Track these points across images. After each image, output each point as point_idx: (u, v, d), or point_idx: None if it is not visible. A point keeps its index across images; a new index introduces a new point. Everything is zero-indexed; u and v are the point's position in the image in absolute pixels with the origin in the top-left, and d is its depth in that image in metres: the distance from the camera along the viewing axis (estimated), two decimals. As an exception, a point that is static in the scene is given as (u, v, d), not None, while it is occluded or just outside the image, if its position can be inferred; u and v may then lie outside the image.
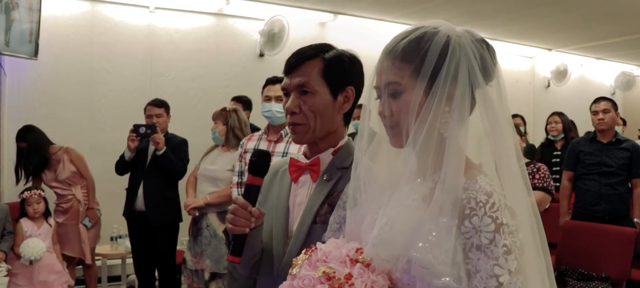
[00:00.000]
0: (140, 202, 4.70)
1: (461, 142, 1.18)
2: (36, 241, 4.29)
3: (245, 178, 3.35)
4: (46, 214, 4.55)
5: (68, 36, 5.72)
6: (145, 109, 4.87)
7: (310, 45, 1.63)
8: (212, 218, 4.11)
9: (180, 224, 4.81)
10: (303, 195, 1.62)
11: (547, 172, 4.01)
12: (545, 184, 3.93)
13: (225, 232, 1.54)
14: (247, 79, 6.42)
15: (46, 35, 5.44)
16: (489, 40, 1.24)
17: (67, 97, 5.69)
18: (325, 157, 1.63)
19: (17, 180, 4.87)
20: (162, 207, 4.67)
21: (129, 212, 4.78)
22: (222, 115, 4.29)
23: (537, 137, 7.92)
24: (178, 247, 4.93)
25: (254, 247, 1.56)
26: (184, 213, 4.50)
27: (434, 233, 1.12)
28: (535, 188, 3.82)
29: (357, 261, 1.18)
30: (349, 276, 1.15)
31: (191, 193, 4.33)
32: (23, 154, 4.83)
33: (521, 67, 9.25)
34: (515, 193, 1.18)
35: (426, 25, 1.23)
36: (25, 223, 4.41)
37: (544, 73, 9.54)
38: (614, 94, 10.02)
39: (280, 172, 1.71)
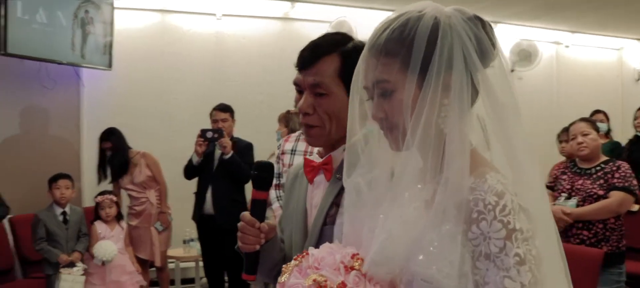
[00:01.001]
0: (208, 206, 4.80)
1: (465, 136, 1.05)
2: (108, 243, 4.46)
3: (283, 180, 3.29)
4: (119, 217, 4.73)
5: (140, 47, 5.93)
6: (211, 114, 4.95)
7: (326, 37, 1.49)
8: (279, 220, 4.11)
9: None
10: (319, 196, 1.49)
11: (629, 171, 3.68)
12: (626, 183, 3.62)
13: (238, 248, 1.45)
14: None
15: (119, 46, 5.66)
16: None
17: (140, 106, 5.88)
18: (338, 155, 1.47)
19: (99, 180, 5.09)
20: (229, 210, 4.72)
21: (199, 215, 4.88)
22: (285, 118, 4.29)
23: (627, 135, 7.42)
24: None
25: (273, 258, 1.48)
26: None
27: (436, 243, 1.00)
28: (615, 188, 3.54)
29: (352, 268, 1.07)
30: (342, 285, 1.05)
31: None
32: (105, 156, 5.05)
33: (607, 59, 8.71)
34: (528, 192, 1.03)
35: (409, 10, 1.08)
36: (99, 226, 4.60)
37: (634, 65, 8.95)
38: None
39: (300, 174, 1.59)
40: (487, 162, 1.06)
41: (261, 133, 5.60)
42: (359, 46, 1.41)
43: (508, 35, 7.36)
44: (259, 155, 4.78)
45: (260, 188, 1.45)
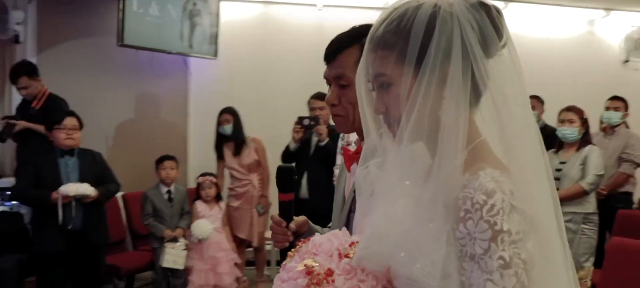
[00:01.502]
0: (304, 191, 4.97)
1: (460, 130, 0.98)
2: (204, 222, 4.77)
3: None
4: (218, 198, 5.03)
5: (244, 37, 6.20)
6: (308, 102, 5.10)
7: (349, 30, 1.53)
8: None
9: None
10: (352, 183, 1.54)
11: None
12: None
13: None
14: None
15: (225, 37, 5.97)
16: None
17: (242, 93, 6.15)
18: None
19: (219, 157, 5.35)
20: (325, 195, 4.83)
21: (295, 200, 5.05)
22: None
23: None
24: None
25: None
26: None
27: (419, 242, 0.96)
28: None
29: (347, 256, 1.04)
30: (329, 272, 1.03)
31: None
32: (221, 134, 5.29)
33: None
34: (526, 191, 0.97)
35: (405, 1, 1.04)
36: (199, 205, 4.92)
37: None
38: None
39: (342, 166, 1.67)
40: (492, 157, 1.00)
41: None
42: None
43: (621, 23, 6.91)
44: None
45: (284, 191, 1.56)
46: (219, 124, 5.29)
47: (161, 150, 5.23)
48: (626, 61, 6.74)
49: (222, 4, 5.97)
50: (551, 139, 4.74)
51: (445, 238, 0.95)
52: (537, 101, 5.41)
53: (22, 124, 4.87)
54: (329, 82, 1.54)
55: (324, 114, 4.96)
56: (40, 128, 4.73)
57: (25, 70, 4.96)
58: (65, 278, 4.21)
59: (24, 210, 5.58)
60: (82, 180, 4.16)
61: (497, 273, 0.89)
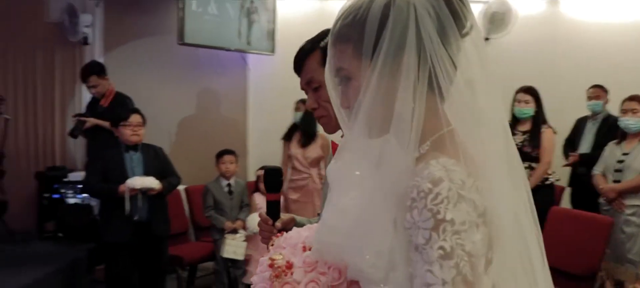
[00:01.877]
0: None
1: (410, 119, 0.96)
2: (255, 215, 4.89)
3: None
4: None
5: (300, 33, 6.18)
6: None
7: (311, 39, 1.63)
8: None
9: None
10: None
11: None
12: None
13: None
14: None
15: (282, 33, 6.08)
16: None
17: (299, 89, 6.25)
18: None
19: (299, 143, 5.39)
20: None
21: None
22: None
23: None
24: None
25: None
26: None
27: (366, 233, 0.95)
28: None
29: (309, 248, 1.07)
30: (289, 265, 1.06)
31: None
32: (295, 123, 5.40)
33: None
34: (490, 183, 0.94)
35: None
36: (257, 198, 5.06)
37: None
38: None
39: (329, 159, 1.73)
40: (454, 147, 0.95)
41: None
42: None
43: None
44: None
45: (271, 191, 1.63)
46: (295, 110, 5.40)
47: (221, 145, 5.40)
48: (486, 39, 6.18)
49: (278, 1, 6.08)
50: (614, 130, 4.62)
51: (392, 228, 0.93)
52: (601, 90, 5.21)
53: (91, 121, 5.15)
54: (306, 91, 1.64)
55: None
56: (108, 124, 4.99)
57: (94, 70, 5.24)
58: (131, 267, 4.42)
59: (94, 203, 5.90)
60: (146, 174, 4.35)
61: (437, 263, 0.85)
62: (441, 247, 0.86)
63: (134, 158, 4.40)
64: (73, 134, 5.30)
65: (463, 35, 1.00)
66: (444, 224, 0.86)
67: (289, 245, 1.11)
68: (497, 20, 6.32)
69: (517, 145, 4.33)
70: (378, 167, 0.99)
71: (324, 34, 1.53)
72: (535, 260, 1.02)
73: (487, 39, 6.45)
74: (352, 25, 1.00)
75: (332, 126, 1.59)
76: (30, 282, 4.58)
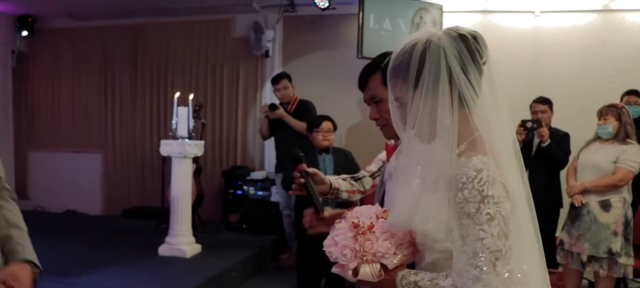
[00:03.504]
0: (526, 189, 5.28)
1: (448, 128, 1.35)
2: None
3: None
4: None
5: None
6: (530, 106, 5.39)
7: (371, 62, 1.93)
8: (593, 204, 4.37)
9: (561, 210, 5.18)
10: None
11: None
12: None
13: None
14: (636, 74, 6.33)
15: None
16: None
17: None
18: None
19: None
20: (545, 193, 5.12)
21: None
22: (614, 111, 4.47)
23: None
24: (557, 232, 5.30)
25: None
26: (565, 200, 4.88)
27: (428, 207, 1.35)
28: None
29: (382, 217, 1.44)
30: (371, 226, 1.42)
31: (572, 181, 4.67)
32: None
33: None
34: (506, 171, 1.32)
35: (411, 39, 1.41)
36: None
37: None
38: None
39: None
40: (483, 147, 1.34)
41: (579, 123, 5.66)
42: None
43: None
44: (575, 144, 5.07)
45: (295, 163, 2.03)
46: None
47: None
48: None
49: (445, 15, 6.48)
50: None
51: (447, 204, 1.33)
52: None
53: (282, 112, 5.80)
54: (368, 104, 1.93)
55: (545, 117, 5.22)
56: (294, 122, 5.67)
57: (285, 75, 5.97)
58: (318, 256, 4.99)
59: (274, 199, 6.63)
60: (336, 173, 4.89)
61: (486, 224, 1.26)
62: (488, 213, 1.26)
63: (326, 160, 4.97)
64: (274, 106, 5.89)
65: (483, 64, 1.40)
66: (488, 198, 1.27)
67: (362, 216, 1.46)
68: None
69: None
70: (431, 163, 1.39)
71: (383, 57, 1.86)
72: (533, 224, 1.42)
73: None
74: (401, 65, 1.40)
75: (392, 132, 1.82)
76: (233, 263, 5.35)
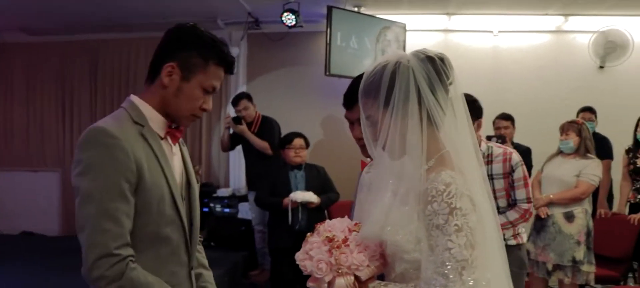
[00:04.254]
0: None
1: (418, 145, 1.43)
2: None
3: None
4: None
5: (426, 62, 6.82)
6: (493, 122, 5.58)
7: (357, 81, 1.93)
8: (558, 216, 4.56)
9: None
10: None
11: None
12: None
13: None
14: (587, 91, 6.67)
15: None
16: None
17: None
18: None
19: None
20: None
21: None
22: (575, 127, 4.69)
23: None
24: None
25: None
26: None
27: (399, 219, 1.42)
28: None
29: (353, 230, 1.50)
30: (345, 239, 1.47)
31: (537, 193, 4.86)
32: None
33: None
34: (472, 185, 1.39)
35: (382, 60, 1.48)
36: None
37: None
38: None
39: (359, 173, 2.18)
40: (451, 163, 1.42)
41: (539, 138, 5.96)
42: None
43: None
44: (536, 159, 5.29)
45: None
46: None
47: (348, 165, 5.96)
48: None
49: (408, 33, 6.67)
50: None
51: (416, 217, 1.39)
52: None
53: (244, 129, 5.78)
54: (350, 121, 1.99)
55: (508, 133, 5.42)
56: (256, 141, 5.71)
57: (245, 95, 5.97)
58: (292, 272, 5.01)
59: (242, 215, 6.60)
60: (307, 189, 4.94)
61: (454, 235, 1.32)
62: (456, 224, 1.33)
63: (297, 176, 5.01)
64: (237, 119, 5.86)
65: (449, 84, 1.48)
66: (456, 210, 1.33)
67: (335, 230, 1.51)
68: (614, 48, 6.66)
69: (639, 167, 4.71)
70: (401, 178, 1.47)
71: None
72: (498, 232, 1.50)
73: (601, 67, 6.81)
74: (372, 85, 1.46)
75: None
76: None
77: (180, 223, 1.69)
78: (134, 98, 1.73)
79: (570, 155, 4.61)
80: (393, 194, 1.49)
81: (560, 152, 4.75)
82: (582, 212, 4.43)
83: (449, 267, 1.32)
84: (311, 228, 4.76)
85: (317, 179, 5.07)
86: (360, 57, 6.28)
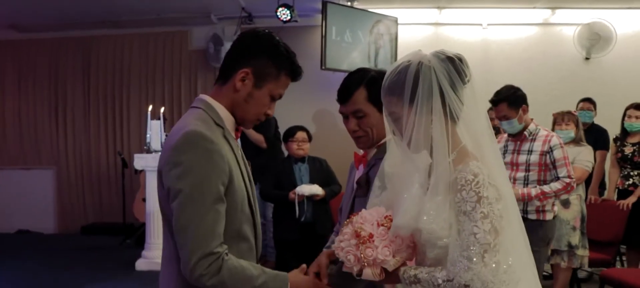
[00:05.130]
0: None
1: (443, 139, 1.51)
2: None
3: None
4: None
5: (417, 55, 6.97)
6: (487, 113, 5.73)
7: (354, 76, 2.02)
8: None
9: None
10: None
11: None
12: None
13: None
14: (573, 82, 6.89)
15: (402, 56, 6.74)
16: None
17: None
18: (371, 152, 2.05)
19: None
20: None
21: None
22: (573, 118, 4.84)
23: None
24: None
25: None
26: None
27: (433, 209, 1.50)
28: None
29: (382, 225, 1.58)
30: (371, 235, 1.56)
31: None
32: None
33: None
34: (496, 176, 1.49)
35: (403, 60, 1.56)
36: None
37: None
38: None
39: (352, 165, 2.26)
40: (472, 155, 1.51)
41: None
42: (376, 75, 1.95)
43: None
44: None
45: None
46: None
47: (343, 156, 5.99)
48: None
49: (400, 27, 6.81)
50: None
51: (448, 206, 1.49)
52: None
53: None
54: (345, 116, 2.04)
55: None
56: (252, 134, 5.76)
57: None
58: (297, 262, 5.10)
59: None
60: (312, 182, 5.03)
61: (480, 221, 1.41)
62: (482, 212, 1.42)
63: (301, 169, 5.09)
64: None
65: (466, 82, 1.55)
66: (483, 199, 1.43)
67: (366, 222, 1.60)
68: (598, 40, 6.87)
69: (627, 155, 4.91)
70: (429, 171, 1.55)
71: (364, 72, 2.01)
72: (520, 221, 1.60)
73: (587, 58, 7.02)
74: (396, 83, 1.54)
75: (368, 144, 2.02)
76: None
77: (252, 220, 1.76)
78: (207, 98, 1.75)
79: (566, 144, 4.74)
80: (420, 186, 1.56)
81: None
82: (577, 198, 4.59)
83: (473, 250, 1.41)
84: (316, 220, 4.84)
85: (321, 171, 5.14)
86: (354, 51, 6.40)
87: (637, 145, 5.11)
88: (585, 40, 6.93)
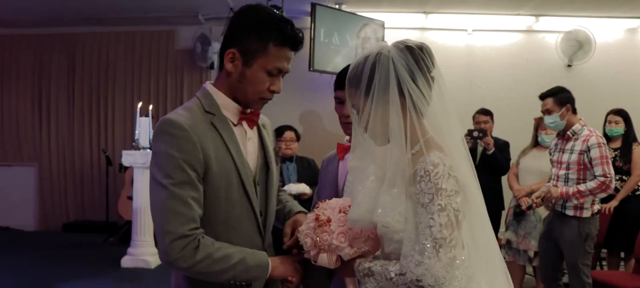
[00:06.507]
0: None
1: (400, 130, 1.47)
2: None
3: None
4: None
5: (404, 60, 7.04)
6: (473, 117, 5.76)
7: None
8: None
9: (503, 212, 5.63)
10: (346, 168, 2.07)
11: None
12: None
13: None
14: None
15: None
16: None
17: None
18: None
19: None
20: (489, 197, 5.50)
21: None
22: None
23: None
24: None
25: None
26: (506, 203, 5.35)
27: (388, 201, 1.47)
28: None
29: (343, 211, 1.57)
30: (328, 219, 1.56)
31: (516, 185, 5.10)
32: None
33: None
34: (459, 166, 1.44)
35: (365, 52, 1.55)
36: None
37: None
38: None
39: (332, 157, 2.29)
40: (438, 146, 1.46)
41: (514, 132, 6.13)
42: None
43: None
44: (511, 151, 5.53)
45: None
46: None
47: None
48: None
49: (386, 31, 6.88)
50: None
51: (405, 197, 1.45)
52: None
53: None
54: (340, 101, 2.09)
55: (487, 127, 5.61)
56: None
57: None
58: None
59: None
60: (299, 181, 5.05)
61: (436, 214, 1.37)
62: (439, 204, 1.38)
63: (289, 168, 5.12)
64: None
65: (428, 72, 1.51)
66: (441, 191, 1.38)
67: (329, 208, 1.60)
68: (579, 47, 7.02)
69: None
70: (386, 163, 1.52)
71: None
72: (484, 213, 1.56)
73: (569, 65, 7.16)
74: (355, 75, 1.53)
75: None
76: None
77: (250, 207, 1.69)
78: (208, 86, 1.72)
79: (546, 147, 4.80)
80: (376, 179, 1.54)
81: (536, 145, 4.99)
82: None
83: (427, 245, 1.37)
84: (302, 218, 4.72)
85: (308, 171, 5.16)
86: (342, 53, 6.45)
87: (618, 150, 5.19)
88: (568, 48, 7.07)
